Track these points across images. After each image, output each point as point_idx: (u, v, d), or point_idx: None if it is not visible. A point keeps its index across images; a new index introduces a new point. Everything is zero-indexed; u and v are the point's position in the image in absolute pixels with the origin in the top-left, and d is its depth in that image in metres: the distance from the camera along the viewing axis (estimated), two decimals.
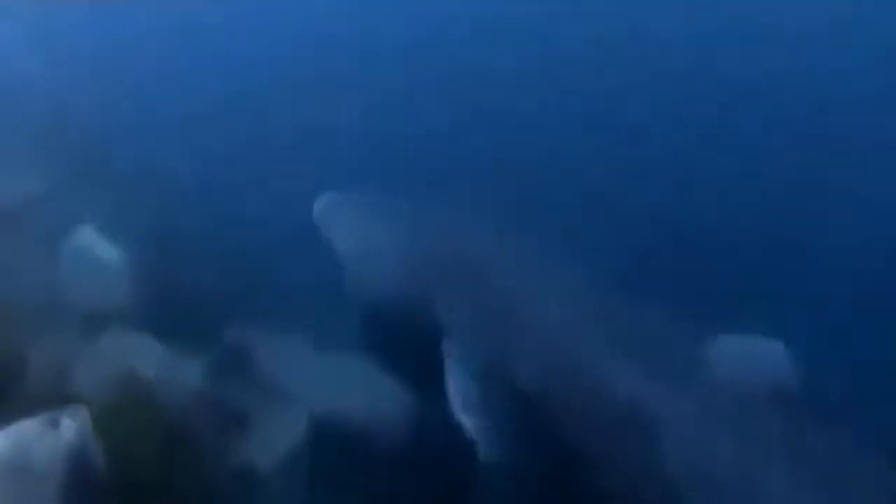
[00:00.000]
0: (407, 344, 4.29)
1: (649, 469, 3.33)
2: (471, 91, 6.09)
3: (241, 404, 4.21)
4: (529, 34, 6.74)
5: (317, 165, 5.51)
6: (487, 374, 3.88)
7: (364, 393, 4.27)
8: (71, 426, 3.06)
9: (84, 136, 5.89)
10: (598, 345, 3.71)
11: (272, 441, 4.07)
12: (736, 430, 3.30)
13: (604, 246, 4.63)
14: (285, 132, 5.87)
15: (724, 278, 4.59)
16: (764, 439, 3.26)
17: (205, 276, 4.81)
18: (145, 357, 4.30)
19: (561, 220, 4.88)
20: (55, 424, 3.05)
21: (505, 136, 5.74)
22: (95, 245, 5.04)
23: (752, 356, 3.68)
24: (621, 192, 5.10)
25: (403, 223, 4.67)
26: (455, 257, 4.34)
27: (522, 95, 6.06)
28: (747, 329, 3.78)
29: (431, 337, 4.08)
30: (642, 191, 5.14)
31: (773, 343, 3.68)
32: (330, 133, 5.80)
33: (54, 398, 3.73)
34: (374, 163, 5.59)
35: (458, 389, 3.81)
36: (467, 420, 3.78)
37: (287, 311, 4.63)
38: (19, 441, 2.95)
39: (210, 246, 5.03)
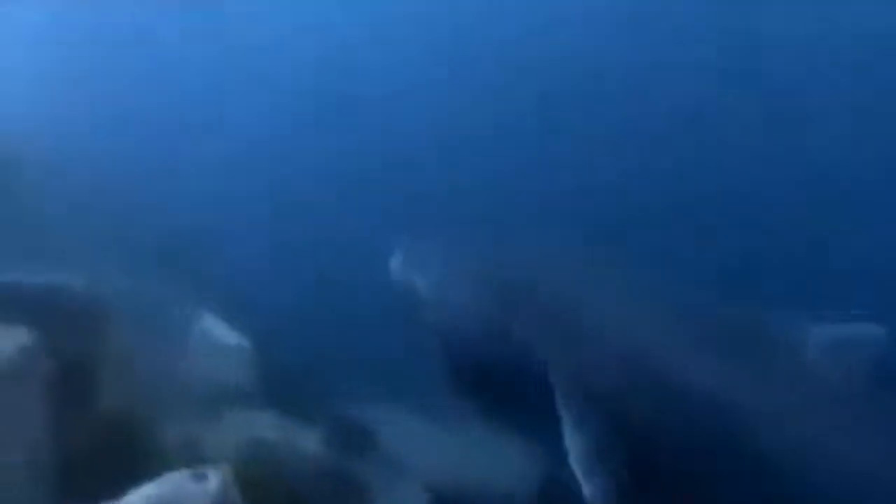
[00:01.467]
0: (516, 404, 4.29)
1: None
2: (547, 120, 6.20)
3: (360, 474, 4.31)
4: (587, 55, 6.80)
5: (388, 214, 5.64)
6: (606, 433, 3.85)
7: (480, 460, 4.31)
8: (215, 479, 3.22)
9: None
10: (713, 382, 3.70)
11: None
12: (849, 423, 3.22)
13: (691, 259, 4.62)
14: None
15: (815, 266, 4.50)
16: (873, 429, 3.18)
17: (315, 351, 5.02)
18: (268, 429, 4.48)
19: (643, 242, 4.87)
20: (201, 478, 3.22)
21: (577, 162, 5.82)
22: (216, 330, 5.34)
23: (852, 342, 3.61)
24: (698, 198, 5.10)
25: (491, 271, 4.60)
26: (555, 306, 4.30)
27: (593, 119, 6.16)
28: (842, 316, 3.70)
29: (542, 395, 4.09)
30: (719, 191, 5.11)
31: (870, 326, 3.61)
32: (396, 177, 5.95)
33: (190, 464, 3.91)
34: (440, 204, 5.70)
35: (579, 453, 3.76)
36: (591, 484, 3.71)
37: (392, 380, 4.73)
38: (170, 489, 3.12)
39: (313, 319, 5.24)
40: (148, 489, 3.13)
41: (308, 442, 4.36)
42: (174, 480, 3.19)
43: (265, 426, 4.47)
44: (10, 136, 5.88)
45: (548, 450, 4.04)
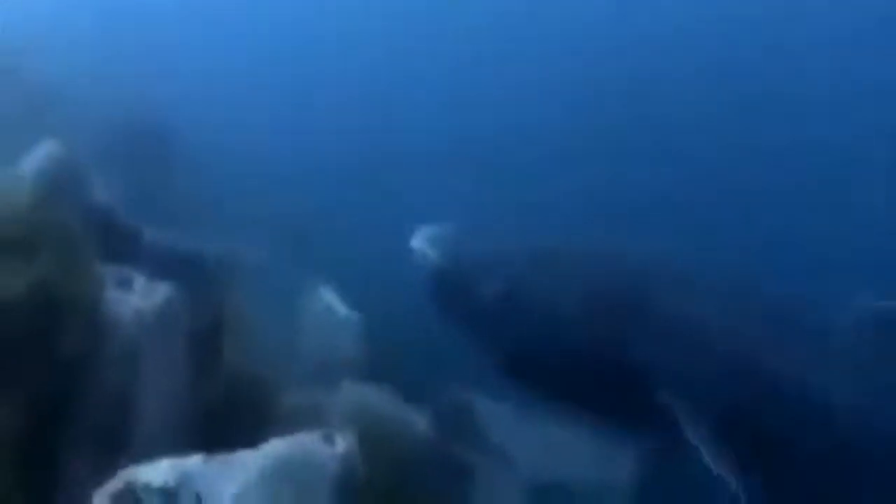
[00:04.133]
0: (615, 396, 4.32)
1: None
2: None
3: (465, 457, 4.44)
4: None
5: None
6: (723, 421, 3.90)
7: (583, 454, 4.38)
8: (342, 442, 3.43)
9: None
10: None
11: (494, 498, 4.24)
12: None
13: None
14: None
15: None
16: None
17: (428, 332, 5.18)
18: (379, 402, 4.66)
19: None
20: (330, 440, 3.43)
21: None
22: (332, 303, 5.57)
23: None
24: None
25: (578, 265, 4.64)
26: (645, 296, 4.36)
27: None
28: None
29: (643, 387, 4.13)
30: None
31: None
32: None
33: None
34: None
35: (707, 446, 3.80)
36: (728, 473, 3.74)
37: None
38: (301, 448, 3.33)
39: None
40: (280, 445, 3.35)
41: (417, 419, 4.51)
42: (305, 440, 3.40)
43: (376, 399, 4.64)
44: (165, 110, 6.30)
45: (642, 442, 4.09)
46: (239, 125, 6.84)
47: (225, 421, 4.14)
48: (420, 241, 4.85)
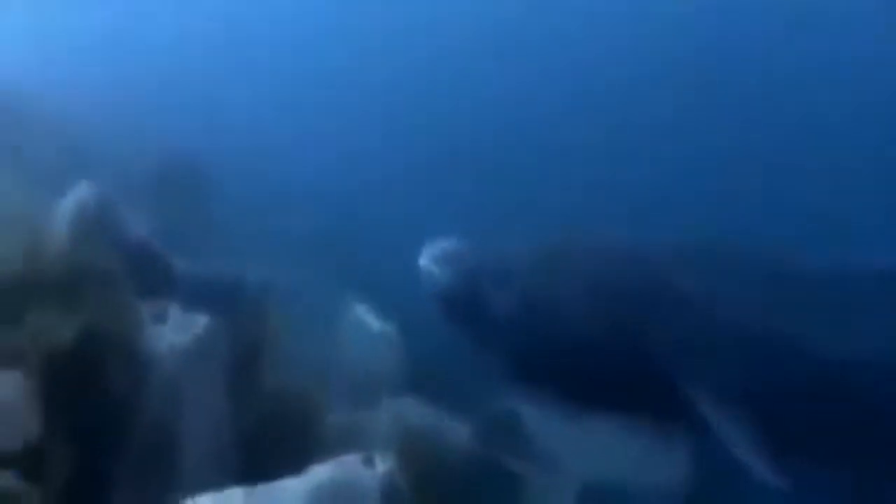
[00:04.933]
0: (645, 394, 4.24)
1: None
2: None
3: (512, 468, 4.41)
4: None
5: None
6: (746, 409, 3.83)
7: (628, 455, 4.32)
8: (383, 465, 3.43)
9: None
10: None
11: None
12: None
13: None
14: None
15: None
16: None
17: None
18: (420, 418, 4.65)
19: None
20: (371, 462, 3.43)
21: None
22: (367, 320, 5.58)
23: None
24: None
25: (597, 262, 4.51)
26: (661, 288, 4.24)
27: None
28: None
29: (667, 381, 4.06)
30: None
31: None
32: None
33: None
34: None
35: (734, 435, 3.73)
36: (757, 461, 3.67)
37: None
38: (343, 472, 3.34)
39: None
40: (323, 470, 3.36)
41: (459, 433, 4.50)
42: (346, 464, 3.41)
43: (417, 415, 4.64)
44: (196, 139, 6.40)
45: (688, 446, 4.02)
46: (263, 148, 6.92)
47: (267, 447, 4.17)
48: (427, 258, 4.79)
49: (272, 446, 4.15)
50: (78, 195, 4.18)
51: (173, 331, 4.02)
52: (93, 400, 3.74)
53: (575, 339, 4.33)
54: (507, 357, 4.50)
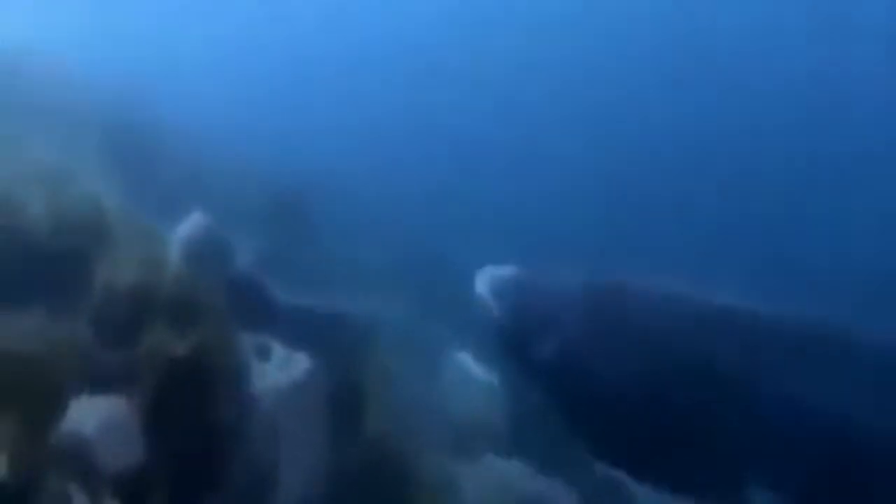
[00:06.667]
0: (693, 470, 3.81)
1: None
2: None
3: None
4: None
5: None
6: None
7: None
8: None
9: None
10: None
11: None
12: None
13: None
14: None
15: None
16: None
17: None
18: (520, 479, 4.38)
19: None
20: None
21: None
22: (470, 365, 5.36)
23: None
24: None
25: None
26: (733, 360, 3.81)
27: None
28: None
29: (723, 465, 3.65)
30: None
31: None
32: None
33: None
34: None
35: None
36: None
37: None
38: None
39: None
40: None
41: (561, 500, 4.19)
42: None
43: (516, 476, 4.37)
44: (304, 170, 6.42)
45: None
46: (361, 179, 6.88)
47: (362, 495, 4.01)
48: (482, 285, 4.47)
49: (367, 495, 3.98)
50: (191, 225, 4.18)
51: (276, 368, 3.94)
52: (194, 430, 3.67)
53: (617, 400, 3.96)
54: (549, 400, 4.15)
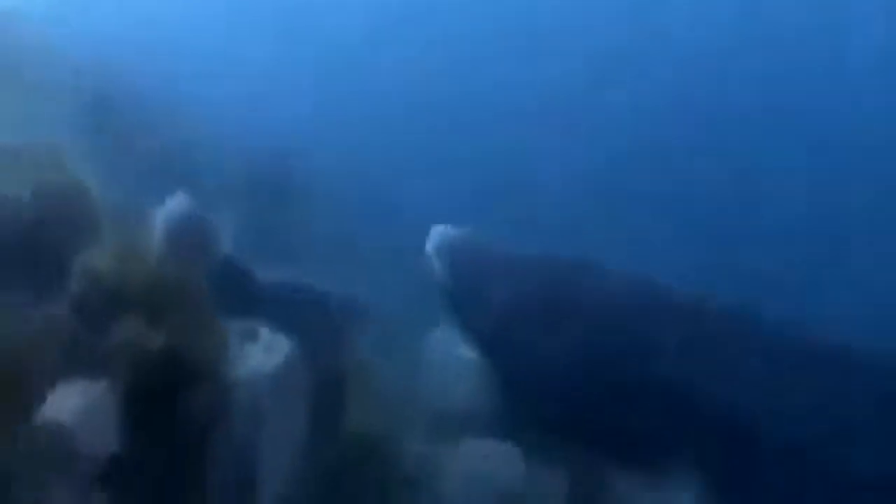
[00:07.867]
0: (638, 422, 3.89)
1: None
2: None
3: None
4: None
5: None
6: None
7: None
8: None
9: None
10: None
11: None
12: None
13: None
14: None
15: None
16: None
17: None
18: (504, 465, 4.39)
19: None
20: None
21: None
22: (456, 348, 5.33)
23: None
24: None
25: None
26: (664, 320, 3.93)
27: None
28: None
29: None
30: None
31: None
32: None
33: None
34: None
35: None
36: None
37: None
38: None
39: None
40: None
41: (547, 488, 4.22)
42: None
43: (501, 462, 4.38)
44: (286, 152, 6.33)
45: None
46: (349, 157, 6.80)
47: (346, 478, 4.03)
48: (431, 245, 4.36)
49: (349, 478, 4.01)
50: (174, 207, 4.11)
51: (261, 351, 3.92)
52: (173, 415, 3.66)
53: (546, 371, 4.00)
54: (496, 359, 4.17)
